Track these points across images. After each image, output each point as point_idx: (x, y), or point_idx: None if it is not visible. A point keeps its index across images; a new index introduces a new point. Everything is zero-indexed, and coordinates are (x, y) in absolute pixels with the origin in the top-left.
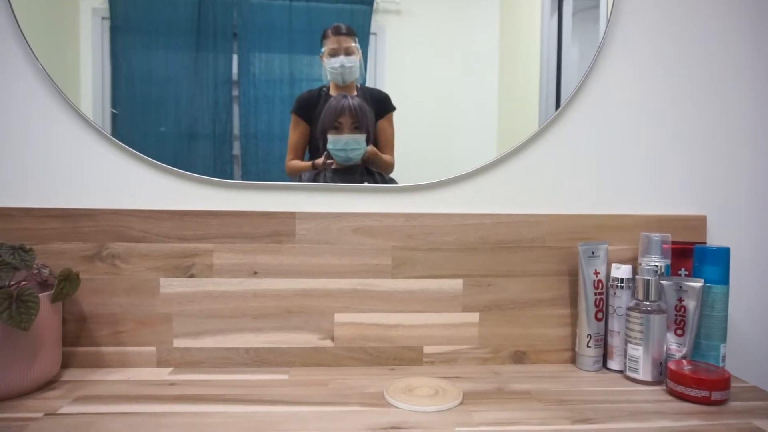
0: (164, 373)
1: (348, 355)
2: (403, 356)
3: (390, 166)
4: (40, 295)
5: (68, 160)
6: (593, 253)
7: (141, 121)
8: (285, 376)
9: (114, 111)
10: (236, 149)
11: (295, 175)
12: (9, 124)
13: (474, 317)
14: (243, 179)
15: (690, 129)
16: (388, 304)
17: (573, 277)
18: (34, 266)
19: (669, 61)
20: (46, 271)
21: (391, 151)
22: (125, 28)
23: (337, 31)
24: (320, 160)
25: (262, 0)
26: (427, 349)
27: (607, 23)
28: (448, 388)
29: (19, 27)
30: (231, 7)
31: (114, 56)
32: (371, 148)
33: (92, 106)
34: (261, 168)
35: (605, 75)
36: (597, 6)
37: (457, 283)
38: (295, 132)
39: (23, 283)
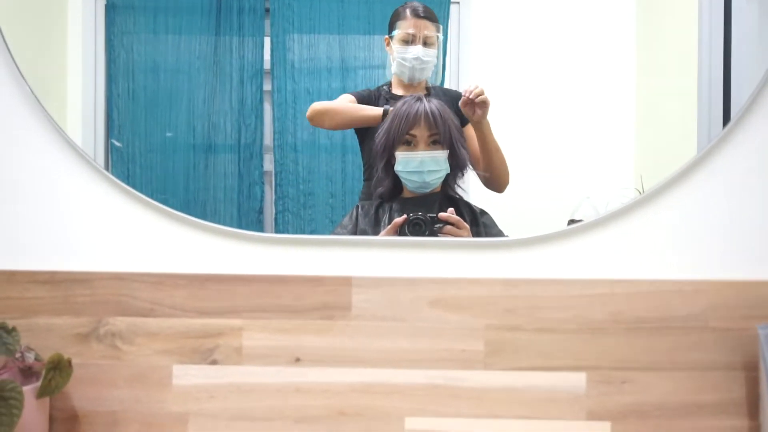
0: None
1: None
2: None
3: (503, 173)
4: (24, 388)
5: (56, 204)
6: None
7: (143, 130)
8: None
9: (117, 144)
10: (268, 164)
11: (340, 123)
12: None
13: (604, 427)
14: (277, 205)
15: None
16: (479, 406)
17: (751, 372)
18: (18, 350)
19: None
20: (30, 356)
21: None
22: (124, 6)
23: (416, 12)
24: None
25: None
26: None
27: None
28: None
29: None
30: None
31: (110, 43)
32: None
33: (82, 115)
34: (302, 191)
35: None
36: None
37: (578, 379)
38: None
39: (3, 372)
